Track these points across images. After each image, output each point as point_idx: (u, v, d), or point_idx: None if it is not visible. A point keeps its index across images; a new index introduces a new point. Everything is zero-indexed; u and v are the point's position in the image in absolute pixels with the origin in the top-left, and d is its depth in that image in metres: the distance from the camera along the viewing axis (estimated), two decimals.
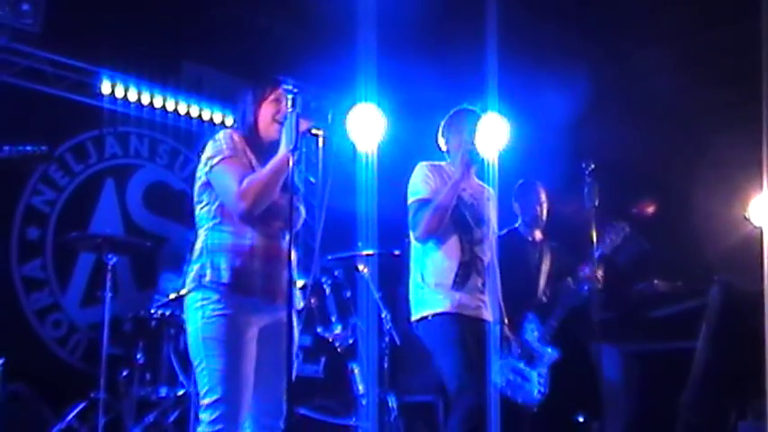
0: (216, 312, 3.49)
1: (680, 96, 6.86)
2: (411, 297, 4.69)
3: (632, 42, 7.15)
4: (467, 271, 4.57)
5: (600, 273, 5.48)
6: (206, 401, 3.48)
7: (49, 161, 6.96)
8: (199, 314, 3.51)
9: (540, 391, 5.37)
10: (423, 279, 4.61)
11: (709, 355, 5.95)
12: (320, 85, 7.35)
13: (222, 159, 3.55)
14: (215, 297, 3.50)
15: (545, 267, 5.87)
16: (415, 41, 7.05)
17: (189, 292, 3.59)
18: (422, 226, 4.53)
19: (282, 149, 3.50)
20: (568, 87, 6.98)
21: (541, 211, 5.88)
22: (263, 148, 3.68)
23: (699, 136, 6.71)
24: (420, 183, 4.62)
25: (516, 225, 5.92)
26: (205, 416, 3.47)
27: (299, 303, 3.75)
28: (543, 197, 5.90)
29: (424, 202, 4.55)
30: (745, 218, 6.51)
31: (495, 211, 4.88)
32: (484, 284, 4.62)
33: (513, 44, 6.60)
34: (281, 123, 3.59)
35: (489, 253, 4.72)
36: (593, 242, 5.04)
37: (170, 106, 7.82)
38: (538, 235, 5.95)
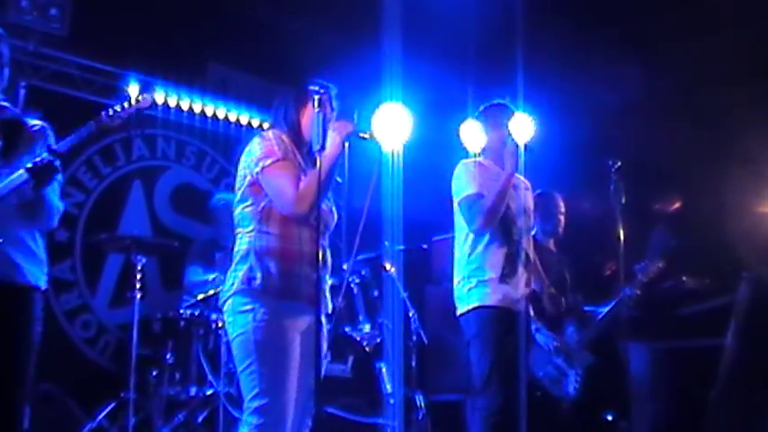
0: (268, 317, 3.48)
1: (708, 92, 6.81)
2: (456, 292, 4.68)
3: (660, 39, 7.11)
4: (513, 263, 4.60)
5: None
6: (254, 405, 3.46)
7: None
8: (249, 317, 3.49)
9: (575, 388, 5.39)
10: (469, 274, 4.61)
11: (739, 352, 5.90)
12: (345, 85, 7.36)
13: (275, 161, 3.55)
14: (266, 301, 3.50)
15: (567, 277, 5.90)
16: (440, 41, 7.05)
17: (234, 294, 3.56)
18: (480, 218, 4.54)
19: (330, 150, 3.51)
20: (594, 85, 6.96)
21: (560, 222, 5.90)
22: (306, 149, 3.72)
23: (727, 131, 6.65)
24: (467, 180, 4.65)
25: (533, 233, 5.93)
26: (252, 419, 3.46)
27: (330, 306, 3.76)
28: (562, 207, 5.92)
29: (477, 196, 4.58)
30: None
31: (532, 201, 4.91)
32: (528, 279, 4.66)
33: (538, 43, 6.59)
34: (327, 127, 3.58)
35: (530, 243, 4.77)
36: (620, 240, 5.00)
37: (196, 108, 7.85)
38: (553, 245, 5.97)
